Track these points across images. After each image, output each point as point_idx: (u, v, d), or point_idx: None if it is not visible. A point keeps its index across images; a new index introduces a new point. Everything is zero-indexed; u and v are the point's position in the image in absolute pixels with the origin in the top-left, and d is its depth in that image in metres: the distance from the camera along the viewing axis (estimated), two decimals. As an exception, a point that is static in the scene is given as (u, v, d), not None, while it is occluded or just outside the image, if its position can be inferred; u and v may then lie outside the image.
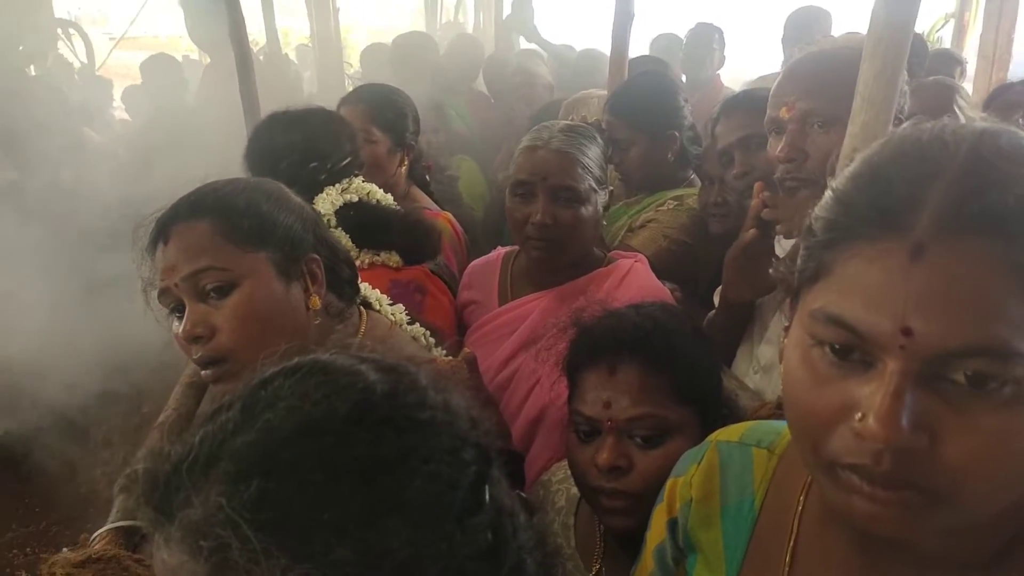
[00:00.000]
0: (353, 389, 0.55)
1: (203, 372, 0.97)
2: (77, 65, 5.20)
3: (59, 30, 5.11)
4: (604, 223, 1.55)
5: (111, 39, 6.61)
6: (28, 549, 2.74)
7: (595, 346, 1.02)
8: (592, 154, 1.43)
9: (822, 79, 1.22)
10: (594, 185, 1.42)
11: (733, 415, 1.04)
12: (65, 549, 0.95)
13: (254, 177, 1.07)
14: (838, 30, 3.12)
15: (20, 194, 2.98)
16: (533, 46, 4.13)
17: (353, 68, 4.68)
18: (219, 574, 0.49)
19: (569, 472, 1.07)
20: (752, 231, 1.28)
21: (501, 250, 1.65)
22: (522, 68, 3.34)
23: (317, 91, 3.95)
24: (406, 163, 1.96)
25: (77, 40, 5.25)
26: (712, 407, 1.01)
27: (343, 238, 1.45)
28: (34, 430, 2.98)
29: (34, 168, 3.07)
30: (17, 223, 2.68)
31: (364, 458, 0.52)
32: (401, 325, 1.19)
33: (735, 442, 0.78)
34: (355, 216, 1.47)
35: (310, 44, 4.71)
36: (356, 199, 1.50)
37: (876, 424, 0.49)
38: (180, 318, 0.96)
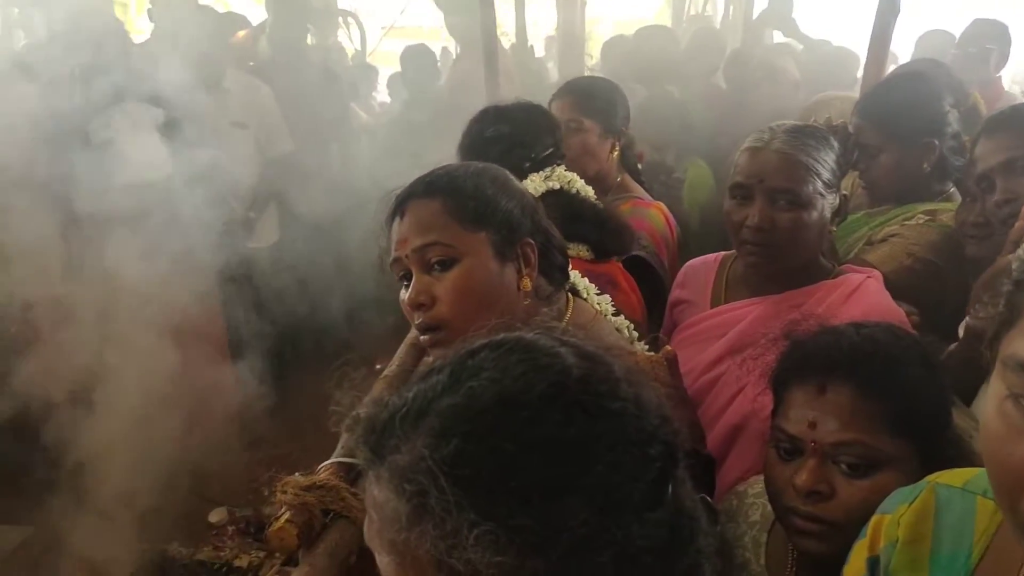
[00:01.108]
0: (551, 370, 0.58)
1: (421, 337, 1.06)
2: (351, 51, 5.83)
3: (340, 19, 5.75)
4: (835, 230, 1.45)
5: (382, 28, 7.30)
6: (272, 469, 3.18)
7: (806, 362, 0.97)
8: (820, 156, 1.33)
9: None
10: (821, 189, 1.33)
11: (961, 456, 0.93)
12: (297, 474, 1.10)
13: (481, 163, 1.15)
14: None
15: (298, 164, 3.43)
16: (788, 41, 3.93)
17: (593, 60, 4.75)
18: (417, 516, 0.54)
19: (766, 487, 1.04)
20: (1010, 257, 1.13)
21: (721, 253, 1.61)
22: (766, 64, 3.19)
23: (557, 82, 4.06)
24: (617, 149, 1.99)
25: (354, 28, 5.88)
26: (935, 444, 0.92)
27: None
28: (289, 372, 3.44)
29: (310, 142, 3.50)
30: (295, 190, 3.10)
31: (553, 437, 0.54)
32: (606, 316, 1.22)
33: (957, 487, 0.71)
34: (553, 205, 1.52)
35: (556, 35, 4.86)
36: (558, 187, 1.56)
37: None
38: (407, 286, 1.06)
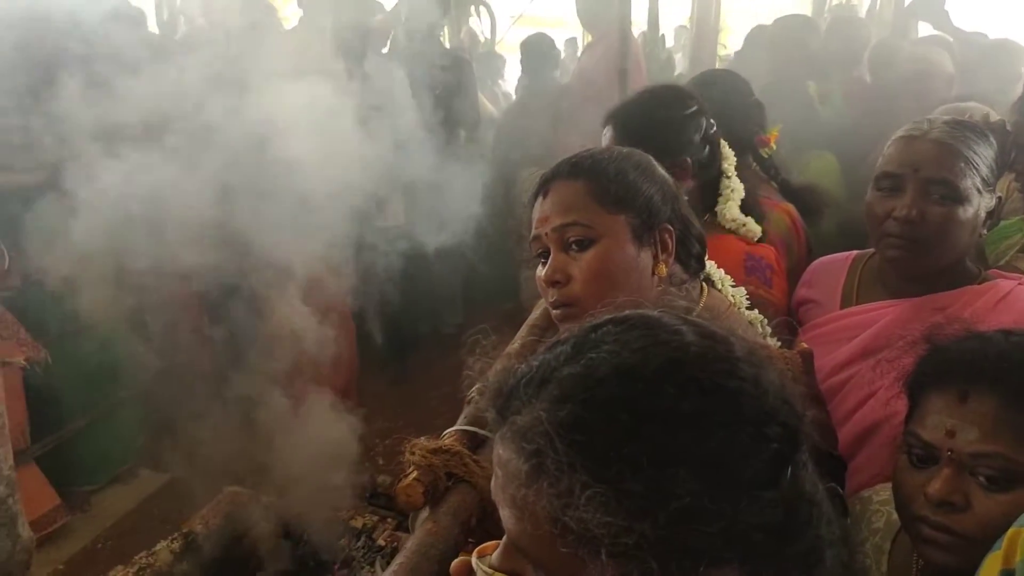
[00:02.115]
0: (669, 346, 0.59)
1: (553, 311, 1.09)
2: (481, 39, 5.94)
3: (472, 7, 5.87)
4: (986, 233, 1.36)
5: (511, 16, 7.39)
6: (387, 440, 3.34)
7: (947, 367, 0.92)
8: (981, 151, 1.26)
9: None
10: (978, 186, 1.25)
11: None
12: (423, 438, 1.16)
13: (626, 148, 1.16)
14: None
15: (425, 146, 3.54)
16: (938, 33, 3.67)
17: (726, 50, 4.63)
18: (535, 474, 0.57)
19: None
20: None
21: (853, 252, 1.55)
22: (917, 57, 2.99)
23: (687, 72, 3.99)
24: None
25: (485, 16, 5.99)
26: (1090, 463, 0.86)
27: (738, 190, 1.53)
28: (409, 345, 3.58)
29: (438, 126, 3.60)
30: (422, 171, 3.20)
31: (666, 409, 0.56)
32: (739, 308, 1.20)
33: None
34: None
35: (688, 25, 4.76)
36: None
37: None
38: (544, 264, 1.09)
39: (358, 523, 2.48)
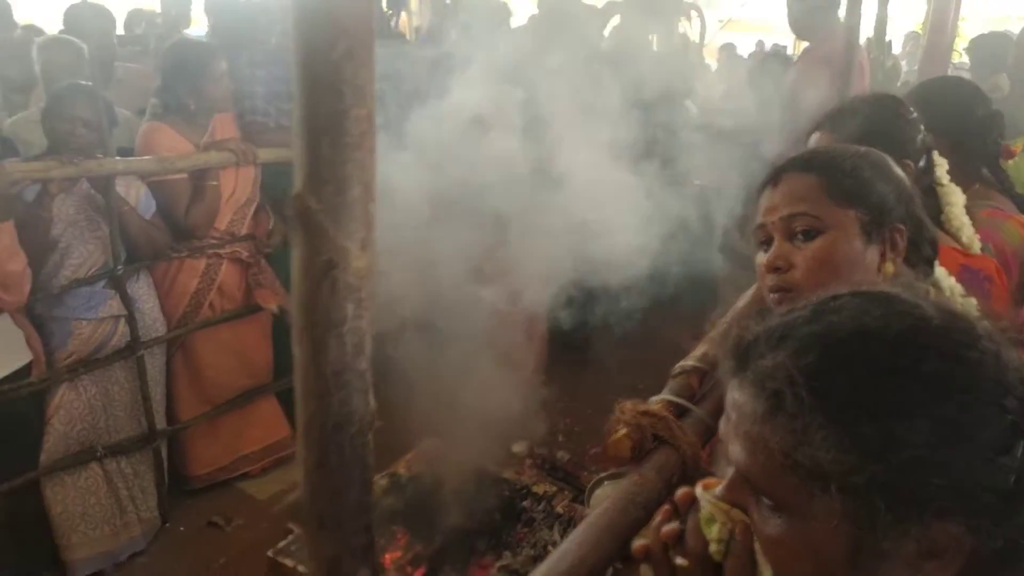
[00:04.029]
0: (910, 316, 0.63)
1: (770, 296, 1.13)
2: (691, 42, 5.91)
3: (683, 11, 5.86)
4: None
5: (719, 21, 7.26)
6: (568, 420, 3.50)
7: None
8: None
9: None
10: None
11: None
12: (628, 402, 1.27)
13: (863, 147, 1.17)
14: None
15: (630, 149, 3.62)
16: None
17: (960, 58, 4.29)
18: (772, 413, 0.62)
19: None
20: None
21: None
22: None
23: (914, 80, 3.76)
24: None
25: (695, 20, 5.96)
26: None
27: (958, 193, 1.53)
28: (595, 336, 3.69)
29: (637, 127, 3.67)
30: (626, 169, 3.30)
31: (905, 368, 0.59)
32: None
33: None
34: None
35: (920, 31, 4.47)
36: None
37: None
38: (766, 251, 1.13)
39: (540, 490, 2.65)
